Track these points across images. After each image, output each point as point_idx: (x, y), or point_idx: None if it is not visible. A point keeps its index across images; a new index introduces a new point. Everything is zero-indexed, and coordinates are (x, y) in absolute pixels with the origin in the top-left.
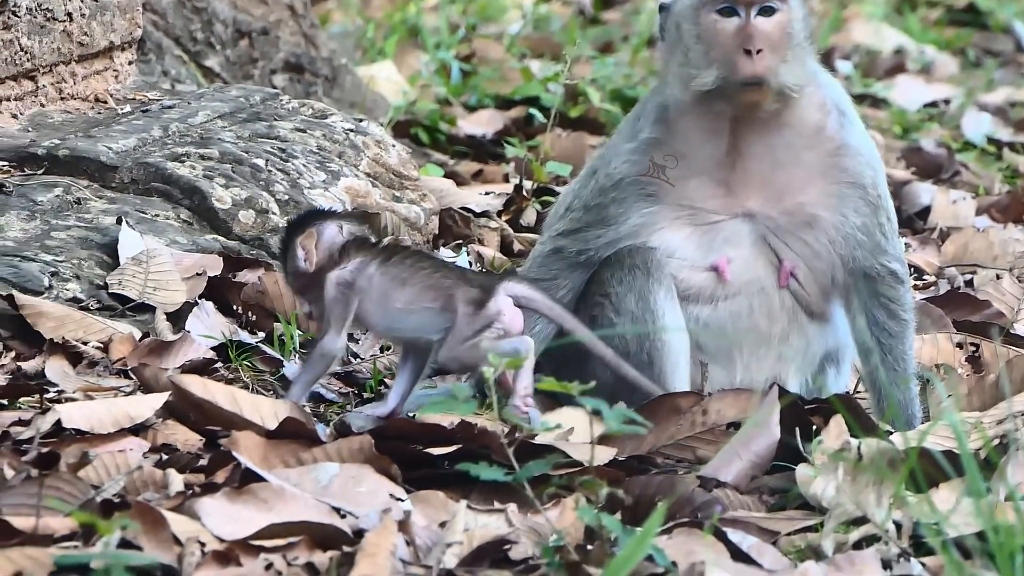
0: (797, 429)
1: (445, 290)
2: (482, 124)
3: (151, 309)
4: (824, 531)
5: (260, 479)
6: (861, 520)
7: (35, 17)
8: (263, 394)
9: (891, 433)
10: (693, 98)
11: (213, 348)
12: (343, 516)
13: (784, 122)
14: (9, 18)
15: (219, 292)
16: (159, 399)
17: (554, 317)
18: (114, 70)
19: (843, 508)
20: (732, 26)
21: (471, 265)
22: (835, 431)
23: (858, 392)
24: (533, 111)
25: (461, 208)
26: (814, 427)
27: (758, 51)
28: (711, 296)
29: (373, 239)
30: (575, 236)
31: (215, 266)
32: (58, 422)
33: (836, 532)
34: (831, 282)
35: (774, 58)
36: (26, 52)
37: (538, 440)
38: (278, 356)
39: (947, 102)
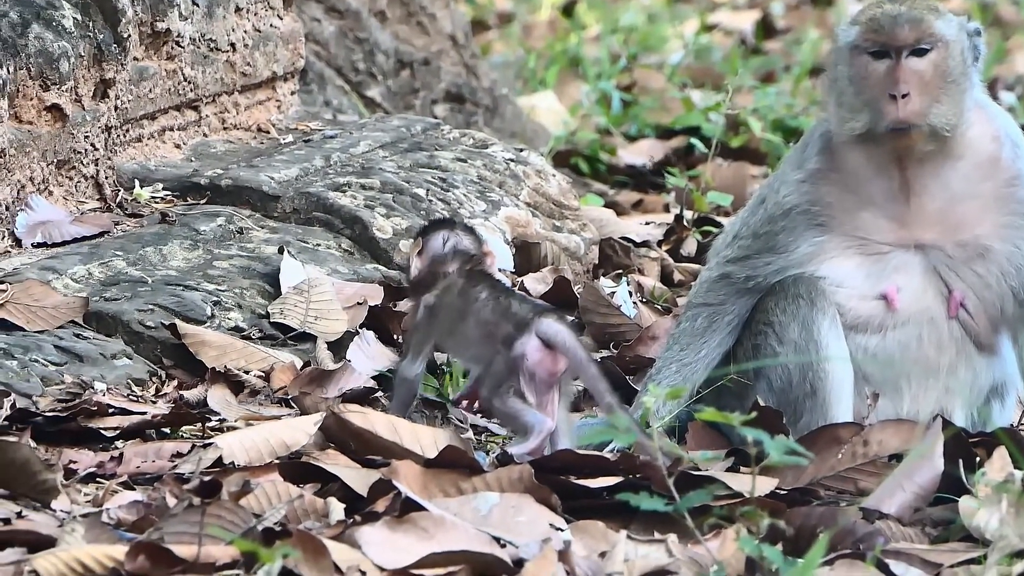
0: (960, 461)
1: (490, 325)
2: (642, 154)
3: (312, 338)
4: (987, 563)
5: (420, 508)
6: None
7: (199, 48)
8: (423, 422)
9: None
10: (849, 138)
11: (374, 377)
12: (503, 546)
13: (958, 155)
14: (173, 48)
15: (380, 321)
16: (312, 424)
17: (576, 364)
18: (276, 100)
19: (1007, 540)
20: (882, 69)
21: (631, 295)
22: (999, 463)
23: (1022, 425)
24: (694, 141)
25: (621, 238)
26: (977, 459)
27: (904, 95)
28: (880, 325)
29: (471, 258)
30: (743, 263)
31: (376, 295)
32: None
33: (999, 565)
34: (1000, 313)
35: (923, 100)
36: (189, 82)
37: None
38: (437, 385)
39: None
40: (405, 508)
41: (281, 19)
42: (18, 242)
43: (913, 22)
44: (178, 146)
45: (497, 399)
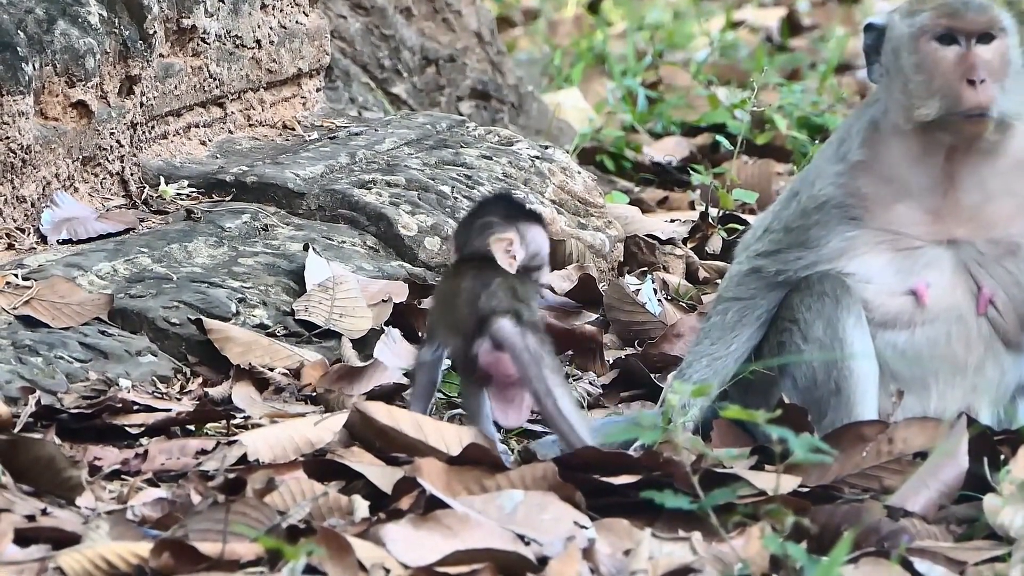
0: (985, 459)
1: (462, 319)
2: (668, 151)
3: (337, 336)
4: (1012, 561)
5: (444, 505)
6: None
7: (224, 44)
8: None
9: None
10: (912, 127)
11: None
12: (527, 543)
13: (1000, 152)
14: (198, 45)
15: (405, 319)
16: (338, 422)
17: (517, 366)
18: (302, 97)
19: None
20: (953, 55)
21: (656, 293)
22: None
23: None
24: (719, 138)
25: (646, 235)
26: (1002, 457)
27: (981, 81)
28: (909, 321)
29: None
30: (774, 257)
31: (401, 293)
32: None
33: None
34: None
35: (995, 87)
36: (215, 79)
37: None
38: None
39: None
40: (429, 506)
41: (307, 16)
42: (43, 239)
43: (983, 9)
44: (203, 143)
45: (465, 385)
